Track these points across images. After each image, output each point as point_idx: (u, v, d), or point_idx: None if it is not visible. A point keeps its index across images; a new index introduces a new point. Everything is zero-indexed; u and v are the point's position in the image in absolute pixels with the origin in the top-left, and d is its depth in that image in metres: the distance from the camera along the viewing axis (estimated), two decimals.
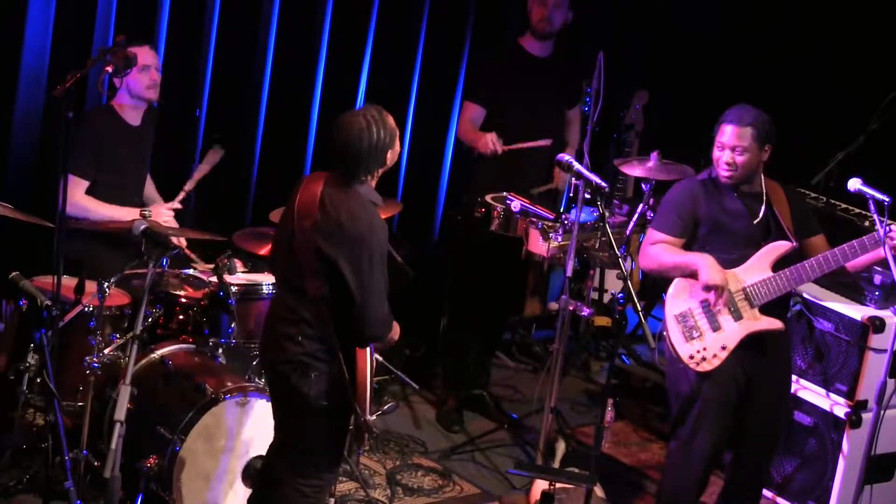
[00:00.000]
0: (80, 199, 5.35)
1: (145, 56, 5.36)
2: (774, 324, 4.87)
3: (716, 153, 4.84)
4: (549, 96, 6.07)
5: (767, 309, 4.86)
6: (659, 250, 4.91)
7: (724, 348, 4.85)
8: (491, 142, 5.80)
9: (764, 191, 4.89)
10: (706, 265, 4.80)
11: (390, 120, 4.23)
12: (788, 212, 4.88)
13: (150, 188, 5.82)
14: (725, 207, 4.87)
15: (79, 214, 5.30)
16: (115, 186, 5.46)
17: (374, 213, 4.21)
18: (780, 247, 4.85)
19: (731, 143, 4.78)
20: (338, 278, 4.15)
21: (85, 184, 5.37)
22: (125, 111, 5.48)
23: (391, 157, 4.25)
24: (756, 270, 4.85)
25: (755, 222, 4.88)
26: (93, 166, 5.37)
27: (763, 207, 4.88)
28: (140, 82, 5.41)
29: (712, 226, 4.88)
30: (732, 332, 4.85)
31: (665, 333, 4.94)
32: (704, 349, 4.85)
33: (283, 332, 4.26)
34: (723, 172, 4.83)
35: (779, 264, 4.85)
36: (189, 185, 5.66)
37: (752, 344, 4.87)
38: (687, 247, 4.91)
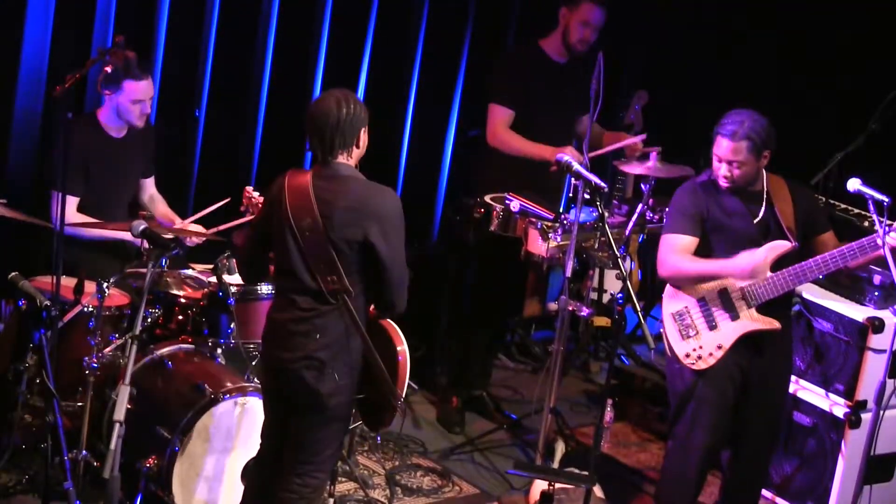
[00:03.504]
0: (72, 216, 5.23)
1: (139, 92, 5.30)
2: (771, 324, 4.86)
3: (714, 162, 4.82)
4: (571, 100, 6.05)
5: (767, 309, 4.86)
6: (677, 261, 4.86)
7: (719, 347, 4.85)
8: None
9: (765, 189, 4.89)
10: (738, 267, 4.77)
11: (360, 102, 4.26)
12: (791, 210, 4.87)
13: (160, 206, 5.74)
14: (726, 208, 4.87)
15: (72, 233, 5.18)
16: (96, 199, 5.41)
17: (373, 184, 4.22)
18: (778, 247, 4.84)
19: (726, 157, 4.76)
20: (359, 261, 4.16)
21: (75, 200, 5.31)
22: (110, 121, 5.42)
23: (364, 138, 4.25)
24: None
25: (755, 222, 4.87)
26: (80, 181, 5.33)
27: (763, 207, 4.88)
28: (131, 113, 5.36)
29: (713, 226, 4.88)
30: (728, 331, 4.84)
31: (663, 333, 4.94)
32: (700, 347, 4.86)
33: (296, 330, 4.23)
34: (721, 182, 4.82)
35: (778, 264, 4.84)
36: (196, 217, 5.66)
37: (750, 343, 4.87)
38: (700, 244, 4.90)
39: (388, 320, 4.38)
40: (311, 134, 4.22)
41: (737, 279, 4.81)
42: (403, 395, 4.33)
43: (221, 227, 5.48)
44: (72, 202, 5.29)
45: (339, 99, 4.18)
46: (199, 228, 5.51)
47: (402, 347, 4.34)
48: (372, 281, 4.23)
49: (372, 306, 4.32)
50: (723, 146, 4.76)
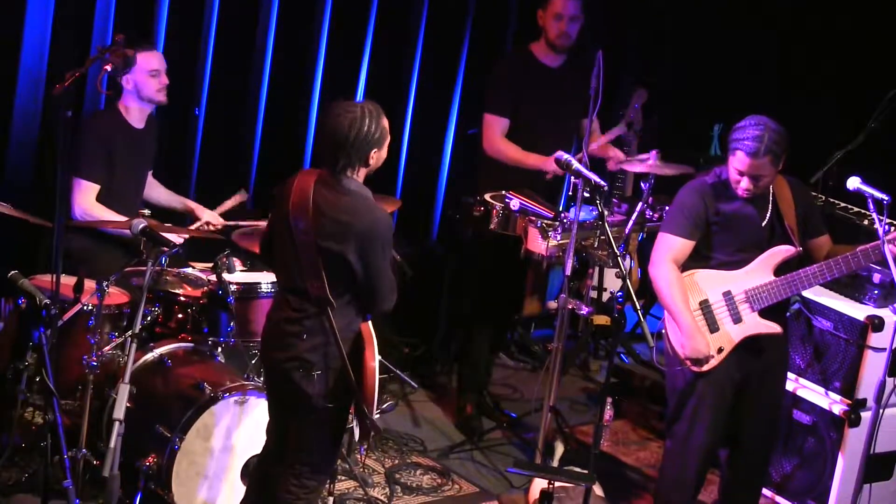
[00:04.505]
0: (91, 205, 5.34)
1: (154, 60, 5.40)
2: (773, 328, 4.85)
3: (733, 174, 4.76)
4: (567, 102, 6.04)
5: (766, 311, 4.85)
6: (670, 278, 4.81)
7: (720, 350, 4.84)
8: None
9: (771, 191, 4.86)
10: (692, 336, 4.77)
11: (385, 121, 4.22)
12: (793, 212, 4.86)
13: (160, 190, 5.81)
14: (735, 210, 4.83)
15: (87, 219, 5.29)
16: (117, 189, 5.45)
17: (372, 204, 4.21)
18: (783, 251, 4.83)
19: (750, 173, 4.71)
20: (344, 274, 4.17)
21: (96, 188, 5.37)
22: (131, 113, 5.48)
23: (375, 158, 4.22)
24: (758, 274, 4.83)
25: (763, 224, 4.85)
26: (103, 170, 5.38)
27: (769, 209, 4.87)
28: (150, 86, 5.43)
29: (721, 227, 4.85)
30: (731, 334, 4.84)
31: (664, 332, 4.93)
32: None
33: (287, 330, 4.25)
34: (742, 194, 4.78)
35: (780, 268, 4.83)
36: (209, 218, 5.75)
37: (749, 344, 4.86)
38: (696, 249, 4.89)
39: (371, 333, 4.32)
40: (321, 141, 4.23)
41: (685, 345, 4.79)
42: (374, 412, 4.29)
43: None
44: (92, 190, 5.34)
45: (355, 118, 4.14)
46: (214, 216, 5.67)
47: (373, 364, 4.27)
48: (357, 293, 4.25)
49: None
50: (745, 163, 4.69)
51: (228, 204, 5.84)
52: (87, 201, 5.32)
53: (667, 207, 5.71)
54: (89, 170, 5.32)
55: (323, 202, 4.17)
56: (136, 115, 5.49)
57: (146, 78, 5.38)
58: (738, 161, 4.72)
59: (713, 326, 4.84)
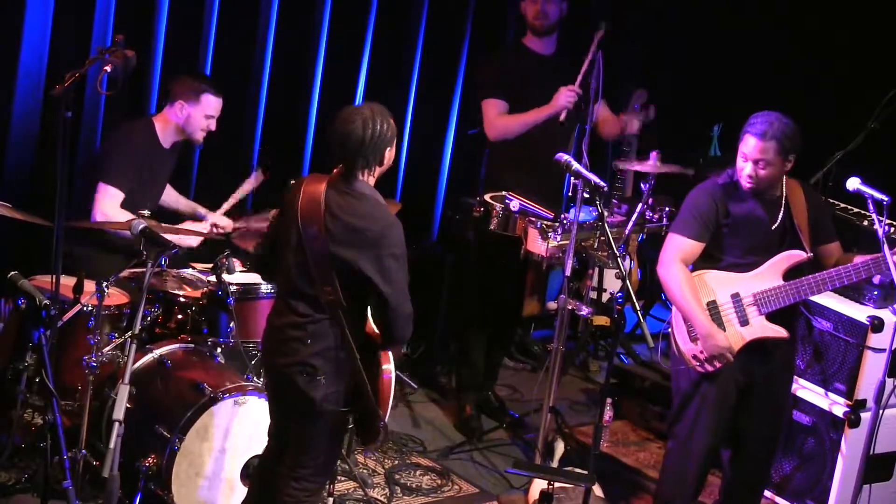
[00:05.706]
0: (113, 211, 5.31)
1: (215, 107, 5.47)
2: (779, 332, 4.84)
3: (739, 161, 4.77)
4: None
5: (775, 315, 4.84)
6: (680, 277, 4.81)
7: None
8: (568, 93, 5.76)
9: (784, 195, 4.86)
10: (709, 334, 4.76)
11: (391, 119, 4.24)
12: (805, 216, 4.85)
13: (168, 192, 5.82)
14: (746, 212, 4.83)
15: (103, 222, 5.30)
16: (134, 200, 5.45)
17: (386, 210, 4.21)
18: (794, 256, 4.82)
19: (753, 156, 4.72)
20: (356, 282, 4.15)
21: (122, 196, 5.36)
22: (165, 133, 5.51)
23: (389, 156, 4.24)
24: (768, 277, 4.83)
25: (773, 228, 4.85)
26: (132, 181, 5.38)
27: (781, 213, 4.86)
28: (199, 126, 5.48)
29: (731, 229, 4.85)
30: (736, 336, 4.83)
31: (671, 332, 4.93)
32: None
33: (291, 335, 4.23)
34: (745, 182, 4.78)
35: (790, 273, 4.83)
36: (232, 200, 5.76)
37: (755, 347, 4.85)
38: (706, 250, 4.89)
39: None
40: (333, 148, 4.21)
41: (704, 345, 4.78)
42: (387, 416, 4.30)
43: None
44: (118, 197, 5.34)
45: (367, 119, 4.14)
46: (220, 217, 5.69)
47: (388, 367, 4.30)
48: (368, 302, 4.24)
49: (371, 321, 4.33)
50: (750, 144, 4.71)
51: (247, 187, 5.83)
52: (110, 207, 5.30)
53: (667, 208, 5.72)
54: (120, 177, 5.32)
55: (336, 206, 4.16)
56: (169, 136, 5.52)
57: (201, 118, 5.46)
58: (744, 144, 4.74)
59: (720, 328, 4.84)
